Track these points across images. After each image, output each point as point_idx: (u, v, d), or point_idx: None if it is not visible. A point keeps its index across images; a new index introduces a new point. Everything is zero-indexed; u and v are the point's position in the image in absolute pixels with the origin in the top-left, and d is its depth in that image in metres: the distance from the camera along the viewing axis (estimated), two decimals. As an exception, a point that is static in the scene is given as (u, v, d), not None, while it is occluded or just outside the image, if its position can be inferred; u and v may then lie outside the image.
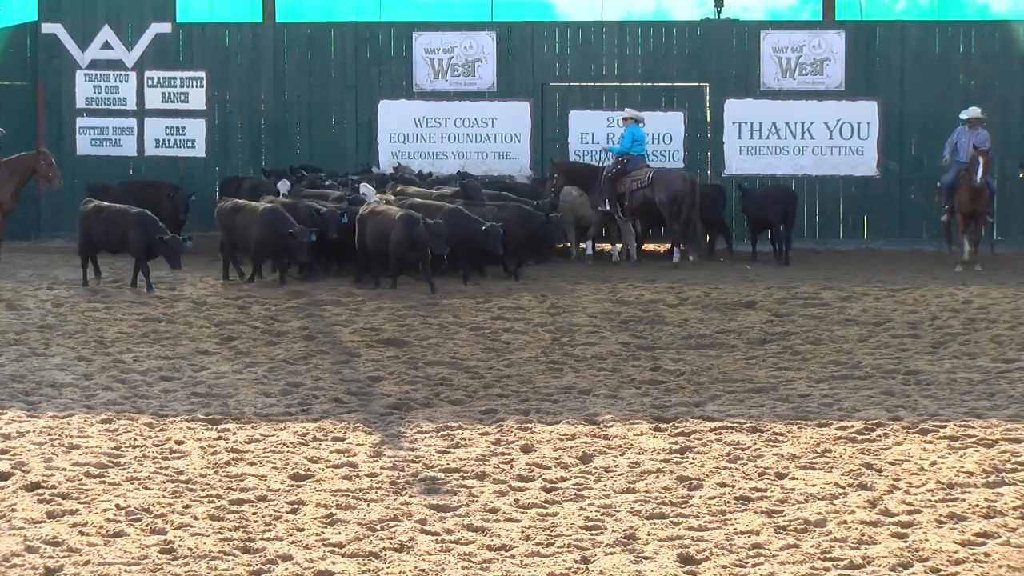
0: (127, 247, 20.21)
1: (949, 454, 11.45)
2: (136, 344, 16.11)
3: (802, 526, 9.59)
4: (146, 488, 10.40)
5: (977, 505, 9.98)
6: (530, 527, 9.61)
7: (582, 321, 17.74)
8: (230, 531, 9.46)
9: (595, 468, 11.10)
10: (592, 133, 26.14)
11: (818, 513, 9.86)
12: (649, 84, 26.32)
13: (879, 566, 8.82)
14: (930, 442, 11.84)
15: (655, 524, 9.67)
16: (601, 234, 24.43)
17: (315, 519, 9.73)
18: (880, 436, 12.02)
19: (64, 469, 10.83)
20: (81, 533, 9.33)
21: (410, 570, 8.75)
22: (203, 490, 10.39)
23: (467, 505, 10.10)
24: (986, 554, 9.00)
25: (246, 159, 26.89)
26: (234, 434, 12.07)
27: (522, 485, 10.62)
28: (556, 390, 13.88)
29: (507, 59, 26.40)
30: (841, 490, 10.44)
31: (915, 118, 25.74)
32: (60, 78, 26.89)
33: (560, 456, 11.42)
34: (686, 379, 14.39)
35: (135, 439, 11.83)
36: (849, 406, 13.13)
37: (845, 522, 9.66)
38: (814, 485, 10.54)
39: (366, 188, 22.47)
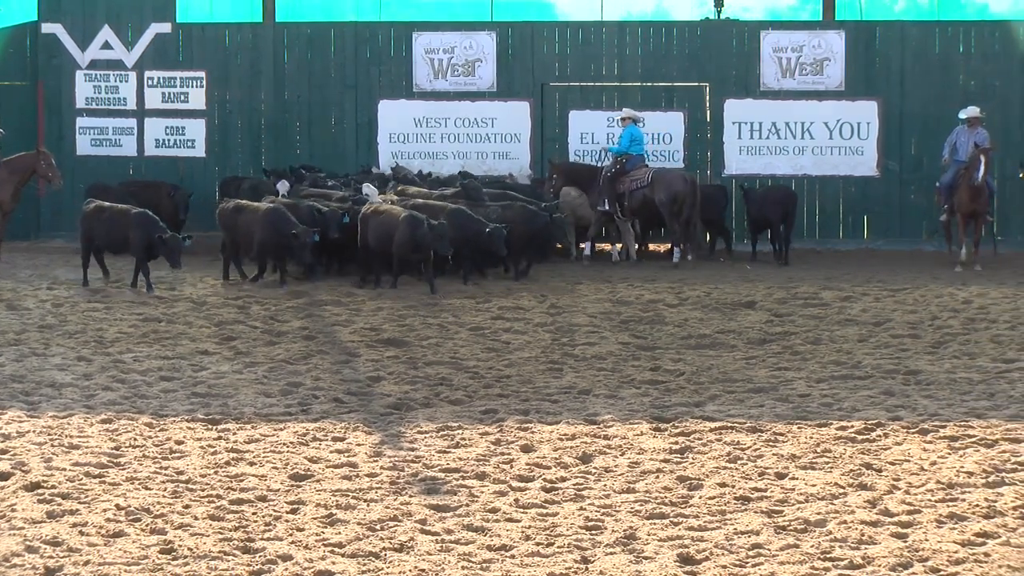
0: (128, 247, 20.22)
1: (949, 454, 11.45)
2: (136, 344, 16.11)
3: (802, 526, 9.59)
4: (146, 488, 10.40)
5: (977, 505, 9.98)
6: (530, 527, 9.61)
7: (582, 321, 17.75)
8: (230, 531, 9.46)
9: (595, 468, 11.10)
10: (592, 133, 26.14)
11: (818, 513, 9.86)
12: (649, 84, 26.32)
13: (879, 566, 8.83)
14: (930, 442, 11.84)
15: (655, 524, 9.67)
16: (601, 234, 24.43)
17: (315, 519, 9.73)
18: (880, 436, 12.02)
19: (64, 469, 10.83)
20: (81, 533, 9.33)
21: (410, 570, 8.75)
22: (203, 490, 10.39)
23: (467, 505, 10.10)
24: (986, 554, 9.00)
25: (246, 159, 26.89)
26: (234, 434, 12.07)
27: (522, 485, 10.62)
28: (556, 390, 13.88)
29: (507, 59, 26.40)
30: (841, 490, 10.44)
31: (915, 118, 25.74)
32: (60, 78, 26.89)
33: (560, 456, 11.42)
34: (686, 379, 14.39)
35: (135, 439, 11.83)
36: (849, 406, 13.13)
37: (845, 522, 9.66)
38: (814, 485, 10.54)
39: (368, 188, 22.47)
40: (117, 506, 9.89)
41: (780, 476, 10.84)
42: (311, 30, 26.94)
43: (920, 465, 11.12)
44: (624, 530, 9.52)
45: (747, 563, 8.90)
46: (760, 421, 12.52)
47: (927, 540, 9.26)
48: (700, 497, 10.29)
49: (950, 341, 16.44)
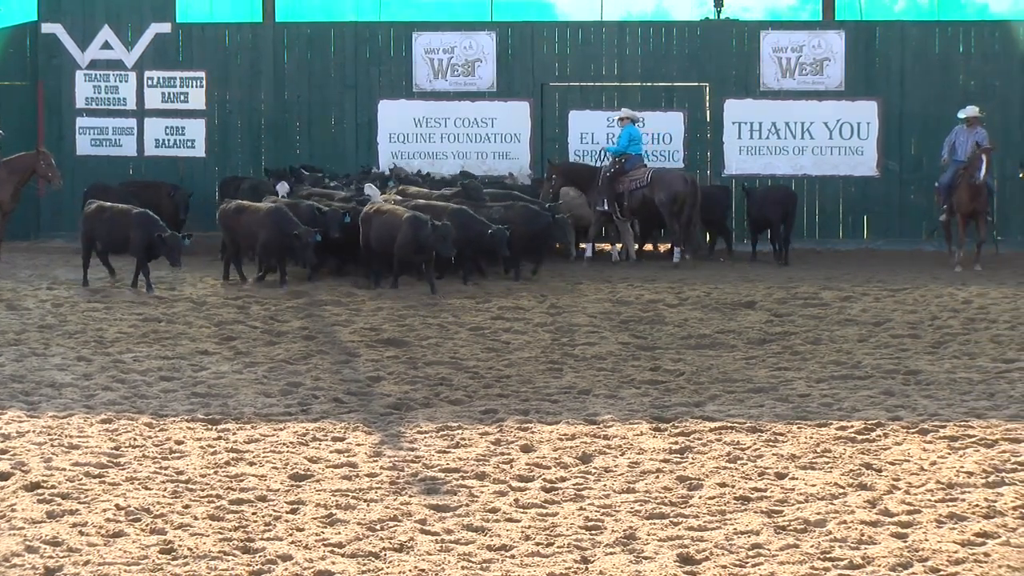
0: (129, 247, 20.22)
1: (949, 454, 11.45)
2: (136, 344, 16.11)
3: (802, 526, 9.59)
4: (146, 488, 10.40)
5: (977, 505, 9.98)
6: (530, 527, 9.61)
7: (582, 321, 17.74)
8: (230, 531, 9.46)
9: (595, 468, 11.10)
10: (592, 133, 26.14)
11: (818, 513, 9.86)
12: (649, 84, 26.32)
13: (879, 566, 8.83)
14: (930, 442, 11.84)
15: (655, 524, 9.67)
16: (601, 234, 24.43)
17: (315, 519, 9.73)
18: (880, 436, 12.02)
19: (64, 469, 10.83)
20: (81, 533, 9.33)
21: (410, 570, 8.75)
22: (203, 490, 10.39)
23: (467, 505, 10.10)
24: (986, 554, 9.00)
25: (246, 159, 26.89)
26: (234, 434, 12.07)
27: (522, 485, 10.62)
28: (556, 390, 13.88)
29: (507, 59, 26.40)
30: (841, 490, 10.44)
31: (915, 118, 25.74)
32: (60, 78, 26.89)
33: (560, 456, 11.42)
34: (686, 379, 14.39)
35: (135, 439, 11.83)
36: (849, 406, 13.13)
37: (845, 522, 9.66)
38: (814, 485, 10.54)
39: (371, 189, 22.49)
40: (117, 506, 9.89)
41: (780, 476, 10.84)
42: (311, 30, 26.94)
43: (920, 465, 11.12)
44: (624, 530, 9.52)
45: (747, 563, 8.90)
46: (760, 421, 12.52)
47: (927, 540, 9.26)
48: (700, 497, 10.29)
49: (950, 341, 16.44)
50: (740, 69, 26.08)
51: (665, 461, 11.27)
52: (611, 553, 9.09)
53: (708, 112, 26.16)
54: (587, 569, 8.82)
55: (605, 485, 10.60)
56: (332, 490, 10.40)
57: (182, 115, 26.82)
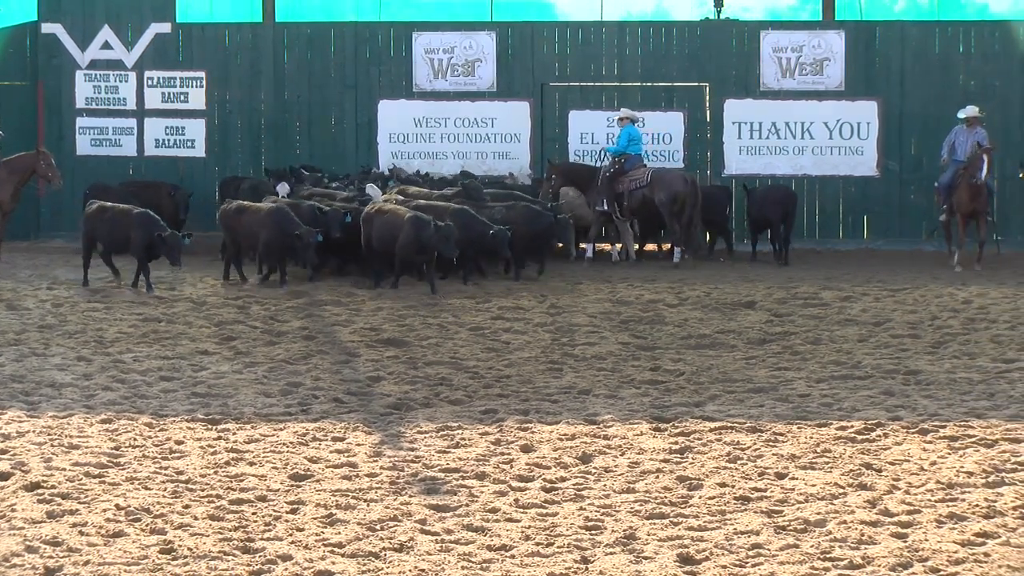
0: (129, 247, 20.22)
1: (949, 454, 11.45)
2: (136, 344, 16.11)
3: (802, 526, 9.59)
4: (146, 488, 10.40)
5: (977, 505, 9.98)
6: (530, 527, 9.61)
7: (582, 321, 17.74)
8: (230, 531, 9.46)
9: (595, 468, 11.10)
10: (592, 133, 26.14)
11: (818, 513, 9.86)
12: (649, 84, 26.32)
13: (879, 566, 8.83)
14: (930, 442, 11.84)
15: (655, 524, 9.67)
16: (601, 234, 24.42)
17: (315, 519, 9.73)
18: (880, 436, 12.02)
19: (64, 469, 10.83)
20: (81, 533, 9.33)
21: (410, 570, 8.75)
22: (203, 490, 10.39)
23: (467, 505, 10.10)
24: (986, 554, 9.00)
25: (246, 159, 26.89)
26: (234, 434, 12.07)
27: (522, 485, 10.62)
28: (556, 390, 13.88)
29: (507, 59, 26.40)
30: (841, 490, 10.44)
31: (915, 118, 25.74)
32: (60, 78, 26.89)
33: (560, 456, 11.42)
34: (686, 379, 14.39)
35: (135, 439, 11.83)
36: (849, 406, 13.13)
37: (845, 522, 9.66)
38: (814, 485, 10.54)
39: (372, 189, 22.49)
40: (117, 506, 9.89)
41: (780, 476, 10.84)
42: (311, 30, 26.94)
43: (920, 465, 11.12)
44: (624, 530, 9.52)
45: (747, 563, 8.90)
46: (760, 421, 12.52)
47: (927, 540, 9.26)
48: (700, 497, 10.29)
49: (950, 341, 16.44)
50: (740, 69, 26.08)
51: (665, 461, 11.27)
52: (611, 553, 9.09)
53: (708, 112, 26.16)
54: (587, 569, 8.82)
55: (605, 485, 10.60)
56: (332, 490, 10.40)
57: (182, 115, 26.82)
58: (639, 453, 11.52)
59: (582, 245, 24.06)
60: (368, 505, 10.06)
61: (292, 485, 10.56)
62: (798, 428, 12.28)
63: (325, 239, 20.43)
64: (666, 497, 10.29)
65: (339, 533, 9.42)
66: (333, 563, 8.85)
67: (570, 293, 20.04)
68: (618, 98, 26.13)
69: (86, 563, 8.80)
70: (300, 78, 26.71)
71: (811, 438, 11.94)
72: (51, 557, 8.88)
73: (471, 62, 26.37)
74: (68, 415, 12.63)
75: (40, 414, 12.66)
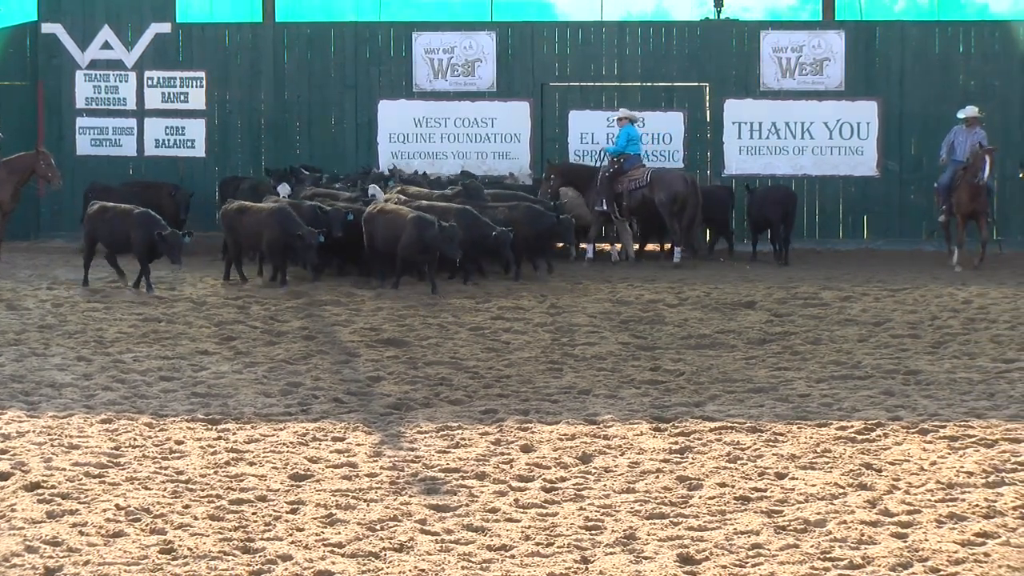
0: (130, 247, 20.22)
1: (949, 454, 11.45)
2: (136, 344, 16.11)
3: (802, 526, 9.59)
4: (146, 488, 10.40)
5: (977, 505, 9.98)
6: (530, 527, 9.61)
7: (582, 321, 17.74)
8: (230, 531, 9.46)
9: (595, 468, 11.10)
10: (592, 133, 26.14)
11: (818, 513, 9.86)
12: (649, 84, 26.32)
13: (879, 566, 8.83)
14: (930, 442, 11.84)
15: (655, 524, 9.67)
16: (600, 235, 24.42)
17: (315, 519, 9.73)
18: (880, 436, 12.02)
19: (64, 469, 10.83)
20: (81, 533, 9.33)
21: (410, 570, 8.75)
22: (203, 490, 10.39)
23: (467, 505, 10.10)
24: (986, 554, 9.00)
25: (246, 159, 26.89)
26: (234, 434, 12.07)
27: (522, 485, 10.62)
28: (556, 390, 13.88)
29: (507, 59, 26.40)
30: (841, 490, 10.44)
31: (915, 118, 25.75)
32: (60, 78, 26.89)
33: (560, 456, 11.42)
34: (686, 379, 14.39)
35: (135, 439, 11.83)
36: (849, 406, 13.13)
37: (845, 522, 9.66)
38: (814, 485, 10.54)
39: (374, 189, 22.49)
40: (117, 506, 9.89)
41: (780, 476, 10.84)
42: (311, 30, 26.94)
43: (920, 465, 11.12)
44: (624, 530, 9.52)
45: (747, 563, 8.90)
46: (760, 421, 12.52)
47: (927, 540, 9.26)
48: (700, 497, 10.29)
49: (950, 341, 16.44)
50: (740, 69, 26.08)
51: (665, 461, 11.27)
52: (611, 553, 9.09)
53: (708, 112, 26.16)
54: (587, 569, 8.82)
55: (605, 485, 10.60)
56: (332, 490, 10.40)
57: (182, 115, 26.82)
58: (639, 453, 11.52)
59: (582, 245, 24.06)
60: (368, 505, 10.06)
61: (292, 485, 10.56)
62: (798, 428, 12.28)
63: (327, 239, 20.43)
64: (666, 497, 10.29)
65: (339, 533, 9.42)
66: (333, 563, 8.85)
67: (570, 293, 20.04)
68: (618, 98, 26.14)
69: (86, 563, 8.80)
70: (300, 78, 26.71)
71: (811, 438, 11.95)
72: (51, 557, 8.88)
73: (471, 62, 26.37)
74: (68, 415, 12.63)
75: (40, 414, 12.66)
